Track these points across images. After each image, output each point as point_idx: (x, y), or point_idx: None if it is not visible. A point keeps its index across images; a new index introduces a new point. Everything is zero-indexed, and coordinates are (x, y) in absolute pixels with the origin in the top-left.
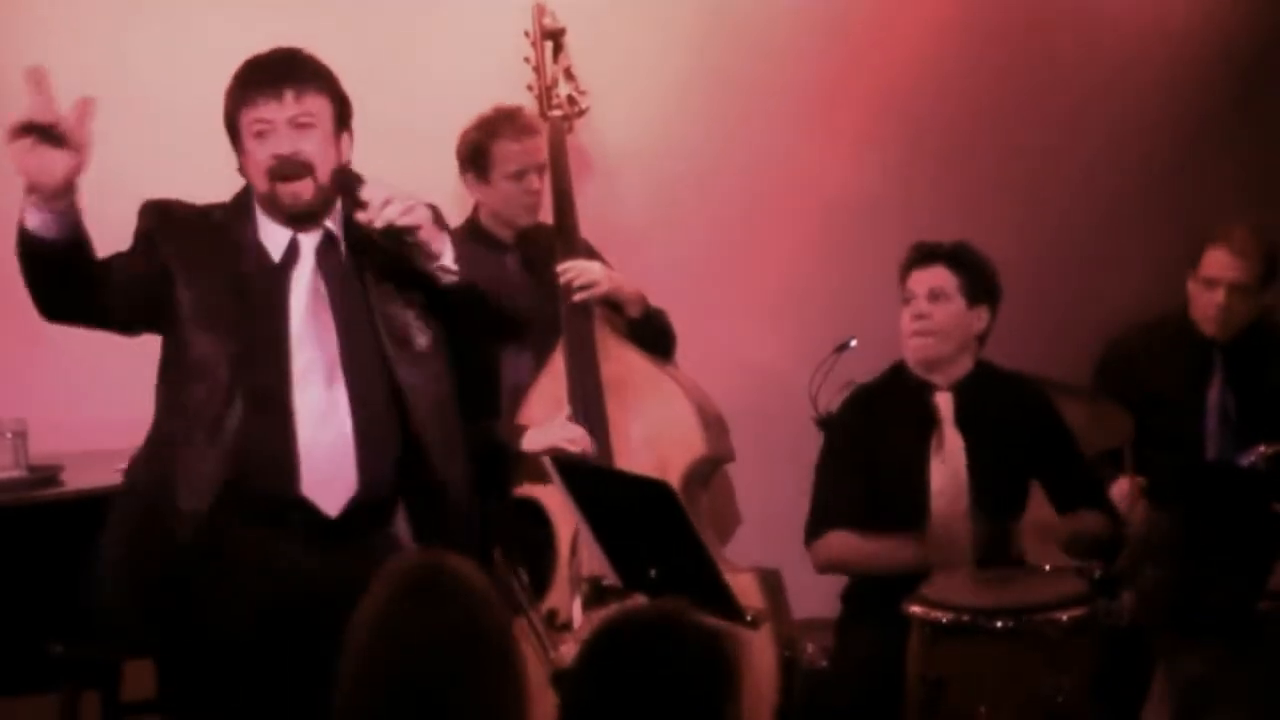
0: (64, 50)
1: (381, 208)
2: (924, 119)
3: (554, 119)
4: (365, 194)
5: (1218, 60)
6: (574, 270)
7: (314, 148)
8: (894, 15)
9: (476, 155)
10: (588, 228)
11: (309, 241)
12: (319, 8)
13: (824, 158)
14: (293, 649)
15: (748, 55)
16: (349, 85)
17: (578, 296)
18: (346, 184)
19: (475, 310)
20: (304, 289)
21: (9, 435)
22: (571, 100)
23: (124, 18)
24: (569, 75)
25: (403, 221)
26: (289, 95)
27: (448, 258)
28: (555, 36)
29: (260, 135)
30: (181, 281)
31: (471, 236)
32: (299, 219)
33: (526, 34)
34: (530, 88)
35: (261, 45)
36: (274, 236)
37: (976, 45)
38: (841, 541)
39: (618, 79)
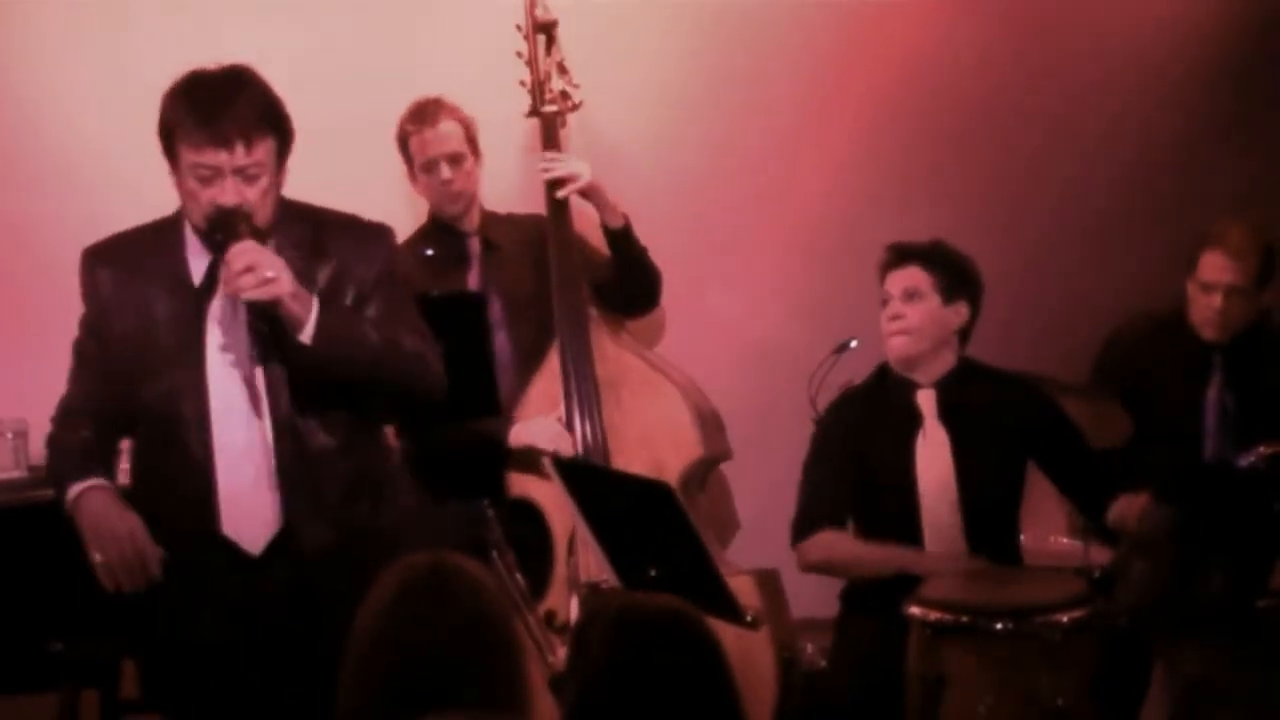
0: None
1: (238, 275)
2: (922, 117)
3: (547, 114)
4: (231, 251)
5: (1215, 57)
6: (555, 161)
7: (258, 195)
8: (892, 14)
9: (403, 152)
10: (581, 222)
11: None
12: (308, 6)
13: (821, 156)
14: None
15: (745, 52)
16: (339, 85)
17: (560, 192)
18: (226, 229)
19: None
20: (219, 318)
21: (9, 435)
22: (565, 95)
23: (123, 20)
24: (562, 69)
25: (253, 295)
26: (239, 147)
27: (308, 329)
28: (548, 29)
29: (205, 181)
30: (114, 315)
31: (433, 230)
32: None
33: (518, 27)
34: (523, 82)
35: (256, 45)
36: (200, 258)
37: (973, 44)
38: (832, 542)
39: (613, 74)
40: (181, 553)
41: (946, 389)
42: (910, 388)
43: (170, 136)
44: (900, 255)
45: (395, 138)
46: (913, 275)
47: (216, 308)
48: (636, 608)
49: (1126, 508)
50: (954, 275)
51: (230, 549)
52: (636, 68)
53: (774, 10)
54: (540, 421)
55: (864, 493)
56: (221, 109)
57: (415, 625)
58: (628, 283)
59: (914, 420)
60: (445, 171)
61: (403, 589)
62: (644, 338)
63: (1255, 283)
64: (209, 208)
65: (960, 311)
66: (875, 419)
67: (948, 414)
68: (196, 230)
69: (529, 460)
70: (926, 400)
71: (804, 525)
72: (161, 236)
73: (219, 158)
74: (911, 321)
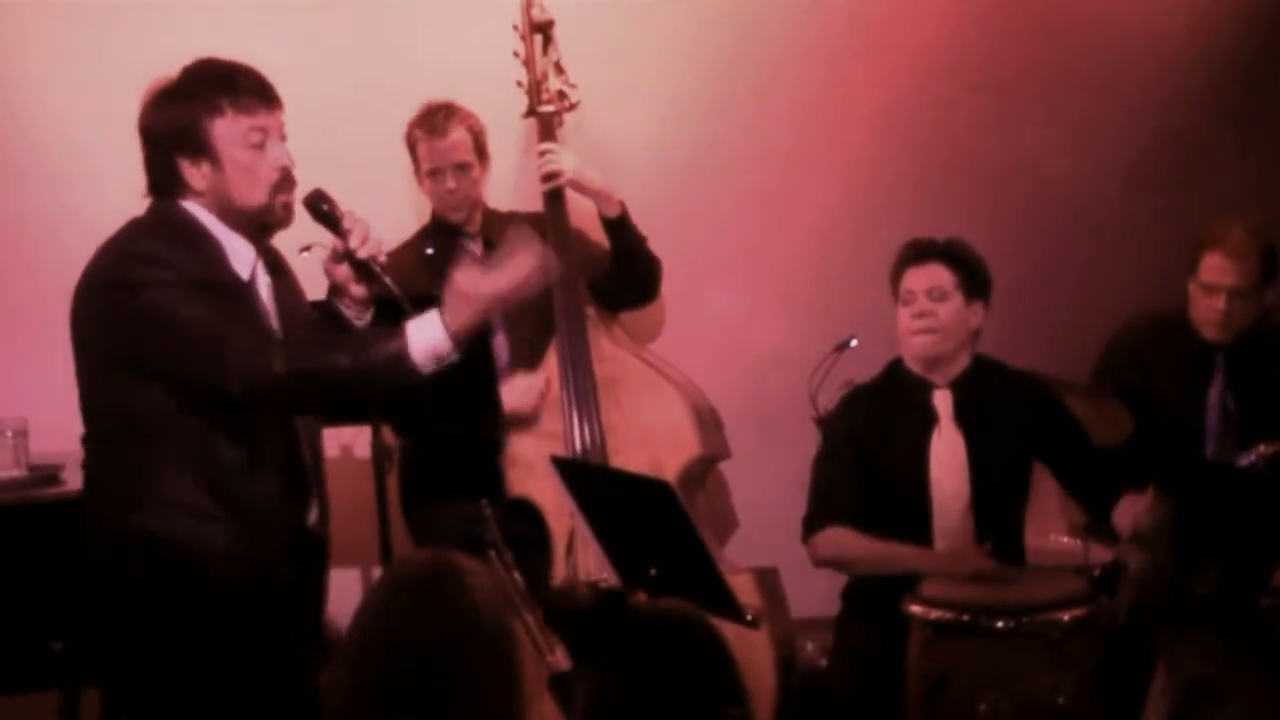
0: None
1: (364, 238)
2: (926, 117)
3: (544, 114)
4: (348, 222)
5: (1220, 59)
6: (547, 154)
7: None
8: (900, 14)
9: (411, 153)
10: (580, 218)
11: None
12: (307, 8)
13: (824, 155)
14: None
15: (751, 51)
16: (334, 84)
17: (546, 185)
18: (326, 210)
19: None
20: (270, 309)
21: (9, 434)
22: (562, 95)
23: (115, 20)
24: (559, 69)
25: (382, 253)
26: (278, 108)
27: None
28: (544, 29)
29: (258, 146)
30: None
31: (435, 230)
32: (267, 232)
33: (515, 27)
34: (520, 83)
35: (249, 43)
36: (240, 253)
37: (980, 43)
38: (843, 538)
39: (619, 72)
40: (272, 543)
41: (963, 389)
42: (926, 387)
43: (199, 124)
44: (923, 252)
45: (404, 138)
46: (937, 273)
47: (265, 299)
48: (647, 608)
49: (1131, 508)
50: (973, 274)
51: (305, 538)
52: (635, 68)
53: (778, 11)
54: (517, 382)
55: (874, 491)
56: (252, 76)
57: (410, 624)
58: (627, 273)
59: (929, 421)
60: (450, 181)
61: (399, 588)
62: (643, 336)
63: (1256, 284)
64: (273, 174)
65: (978, 312)
66: (887, 418)
67: (963, 415)
68: (243, 218)
69: (529, 461)
70: (942, 401)
71: (814, 521)
72: (194, 237)
73: (270, 118)
74: (939, 320)
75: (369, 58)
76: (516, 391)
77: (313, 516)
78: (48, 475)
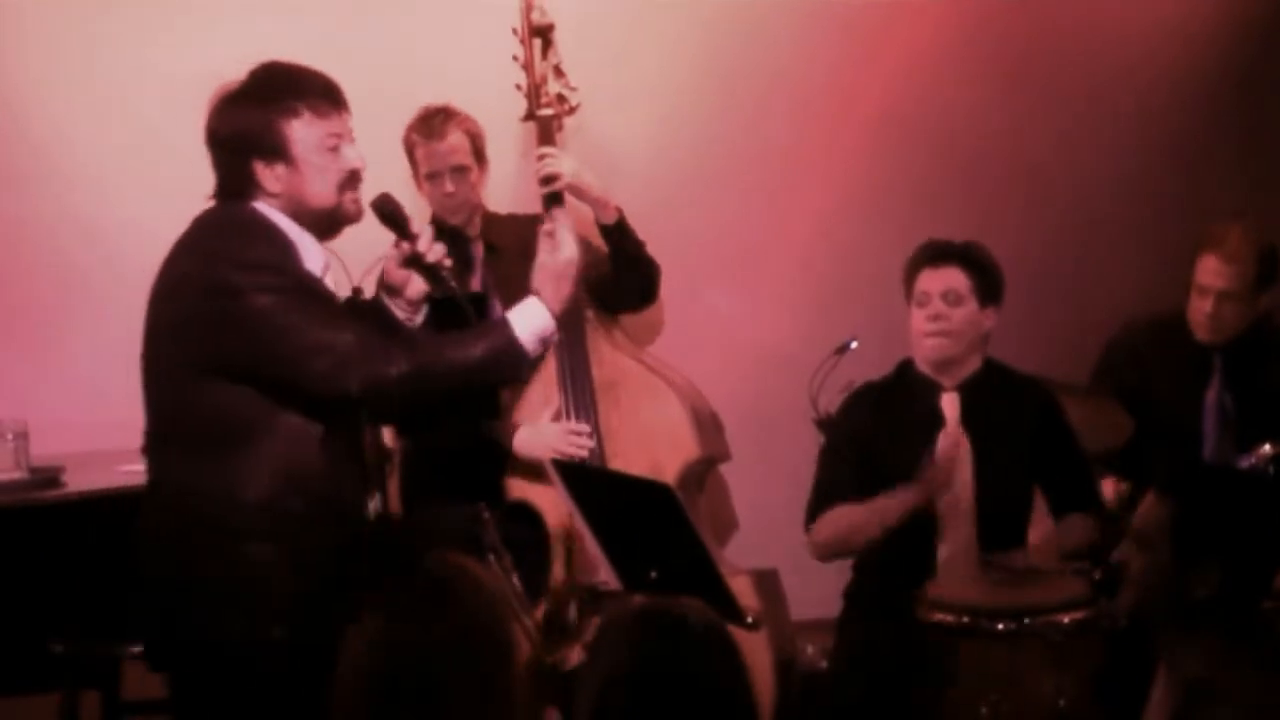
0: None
1: (431, 243)
2: (928, 119)
3: (543, 118)
4: (415, 226)
5: (1220, 62)
6: (546, 157)
7: None
8: (903, 15)
9: (409, 158)
10: (582, 224)
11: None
12: (305, 8)
13: (824, 157)
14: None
15: (754, 50)
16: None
17: (544, 189)
18: (394, 214)
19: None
20: None
21: (10, 436)
22: (561, 98)
23: (113, 25)
24: (559, 72)
25: (447, 257)
26: (347, 110)
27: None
28: (544, 33)
29: (334, 150)
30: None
31: (435, 234)
32: (336, 229)
33: (515, 31)
34: (519, 86)
35: (246, 44)
36: (312, 252)
37: (982, 46)
38: (833, 516)
39: (619, 75)
40: (347, 541)
41: (972, 393)
42: (935, 390)
43: (275, 128)
44: (940, 254)
45: (402, 142)
46: (953, 276)
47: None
48: (658, 610)
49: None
50: (988, 278)
51: (360, 530)
52: (636, 71)
53: (779, 13)
54: (547, 428)
55: (879, 491)
56: (327, 83)
57: (411, 625)
58: (625, 278)
59: (936, 423)
60: (448, 185)
61: (399, 589)
62: (643, 338)
63: (1252, 287)
64: (343, 175)
65: (991, 316)
66: (894, 418)
67: (970, 419)
68: (317, 220)
69: (528, 464)
70: (950, 404)
71: (815, 512)
72: (275, 239)
73: (343, 122)
74: (954, 324)
75: (368, 61)
76: (552, 441)
77: (371, 511)
78: (48, 478)
